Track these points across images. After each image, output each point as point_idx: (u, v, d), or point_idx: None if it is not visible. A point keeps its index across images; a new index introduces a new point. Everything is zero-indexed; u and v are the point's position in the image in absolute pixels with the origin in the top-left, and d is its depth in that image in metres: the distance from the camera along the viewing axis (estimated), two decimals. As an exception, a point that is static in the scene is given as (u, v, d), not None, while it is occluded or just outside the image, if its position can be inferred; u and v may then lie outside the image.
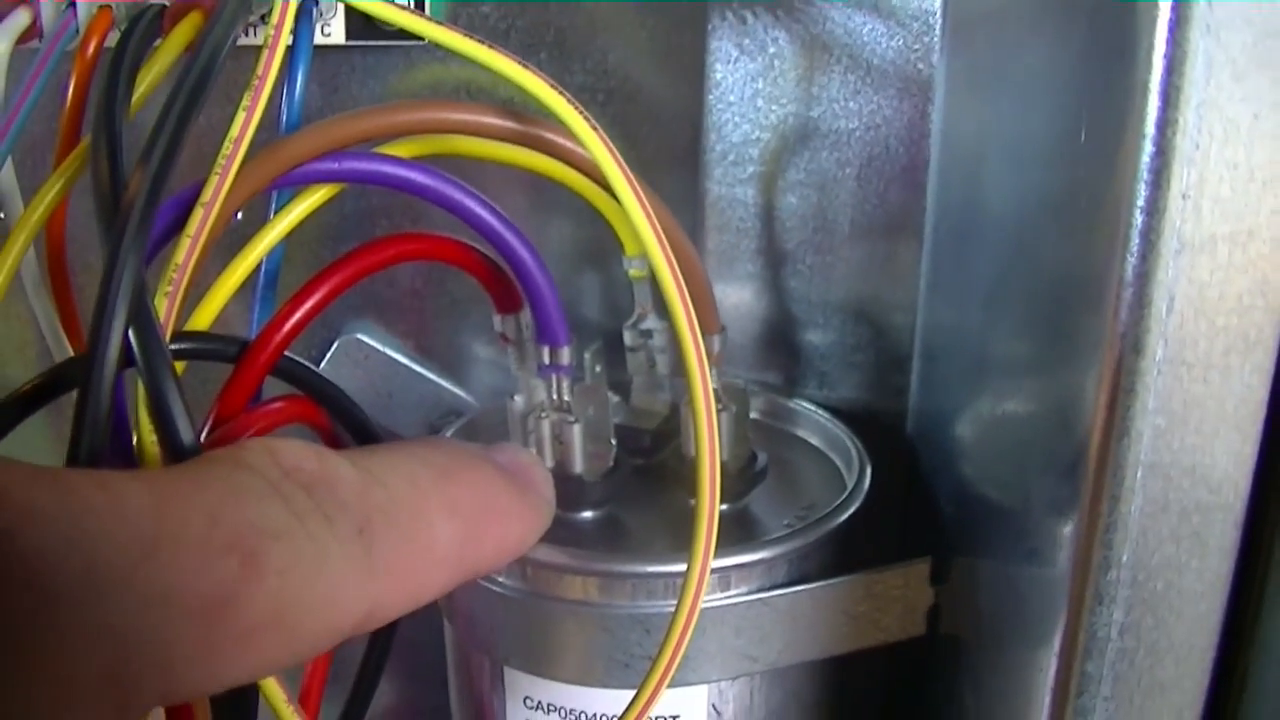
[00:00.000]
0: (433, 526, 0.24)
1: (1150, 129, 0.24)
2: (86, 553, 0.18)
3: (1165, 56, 0.23)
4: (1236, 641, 0.27)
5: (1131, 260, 0.24)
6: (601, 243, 0.27)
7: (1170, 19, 0.23)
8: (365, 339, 0.42)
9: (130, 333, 0.26)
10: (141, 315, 0.26)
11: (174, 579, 0.18)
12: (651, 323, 0.36)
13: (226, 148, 0.28)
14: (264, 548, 0.20)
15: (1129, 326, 0.25)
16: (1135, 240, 0.24)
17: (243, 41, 0.37)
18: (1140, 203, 0.24)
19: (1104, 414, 0.25)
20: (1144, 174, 0.24)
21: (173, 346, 0.28)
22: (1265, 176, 0.24)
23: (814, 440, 0.41)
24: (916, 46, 0.39)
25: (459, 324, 0.43)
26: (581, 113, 0.29)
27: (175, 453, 0.25)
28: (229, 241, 0.30)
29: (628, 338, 0.37)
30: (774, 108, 0.40)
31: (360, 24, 0.37)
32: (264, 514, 0.21)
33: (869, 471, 0.37)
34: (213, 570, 0.19)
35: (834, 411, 0.41)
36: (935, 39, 0.39)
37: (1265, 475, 0.26)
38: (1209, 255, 0.24)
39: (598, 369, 0.36)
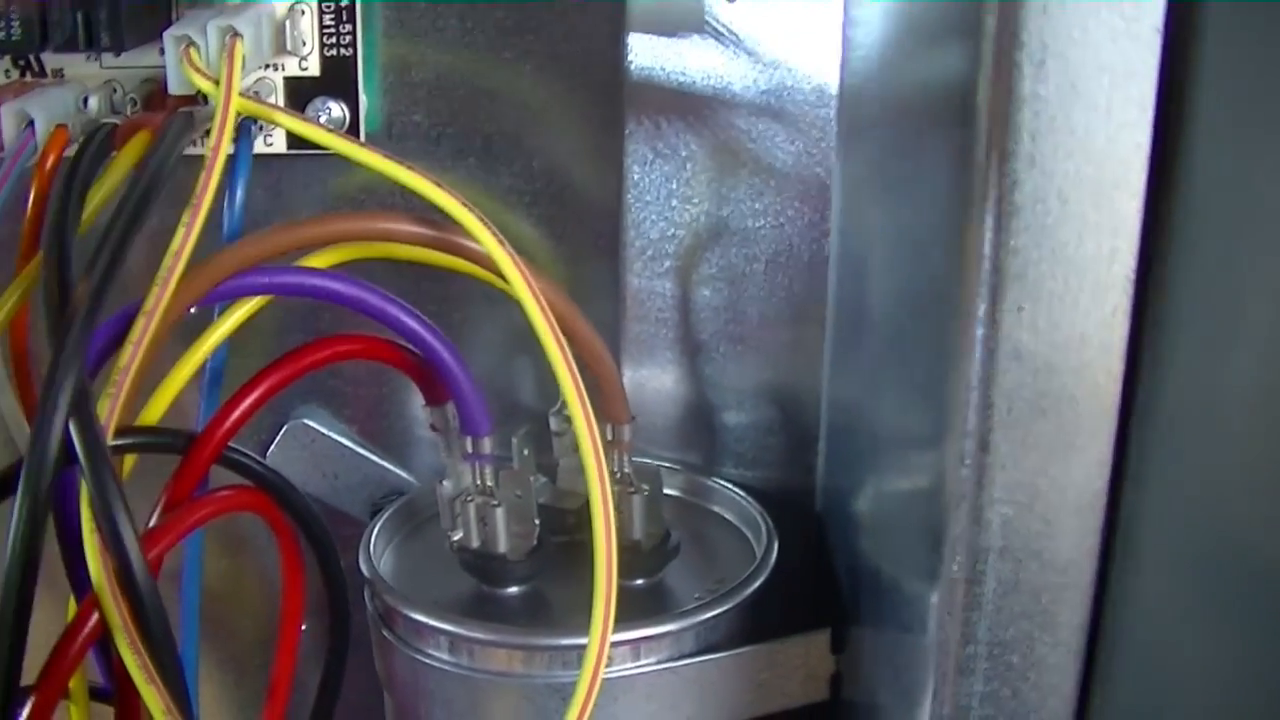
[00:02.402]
0: None
1: (986, 249, 0.26)
2: None
3: (995, 187, 0.26)
4: (1089, 708, 0.30)
5: (974, 367, 0.27)
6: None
7: (997, 156, 0.26)
8: (312, 423, 0.44)
9: (71, 432, 0.28)
10: (82, 415, 0.28)
11: None
12: (574, 409, 0.39)
13: (168, 260, 0.31)
14: None
15: (975, 425, 0.27)
16: (977, 349, 0.27)
17: (195, 151, 0.39)
18: (980, 315, 0.27)
19: (956, 503, 0.28)
20: (982, 289, 0.26)
21: (118, 442, 0.30)
22: (1093, 288, 0.27)
23: (729, 516, 0.43)
24: (815, 151, 0.42)
25: (401, 409, 0.45)
26: (488, 226, 0.32)
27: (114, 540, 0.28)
28: (184, 331, 0.32)
29: (553, 423, 0.40)
30: (688, 207, 0.43)
31: (300, 134, 0.40)
32: None
33: (775, 546, 0.39)
34: None
35: (749, 489, 0.43)
36: (831, 144, 0.42)
37: (1108, 554, 0.28)
38: (1044, 360, 0.27)
39: (525, 452, 0.38)
